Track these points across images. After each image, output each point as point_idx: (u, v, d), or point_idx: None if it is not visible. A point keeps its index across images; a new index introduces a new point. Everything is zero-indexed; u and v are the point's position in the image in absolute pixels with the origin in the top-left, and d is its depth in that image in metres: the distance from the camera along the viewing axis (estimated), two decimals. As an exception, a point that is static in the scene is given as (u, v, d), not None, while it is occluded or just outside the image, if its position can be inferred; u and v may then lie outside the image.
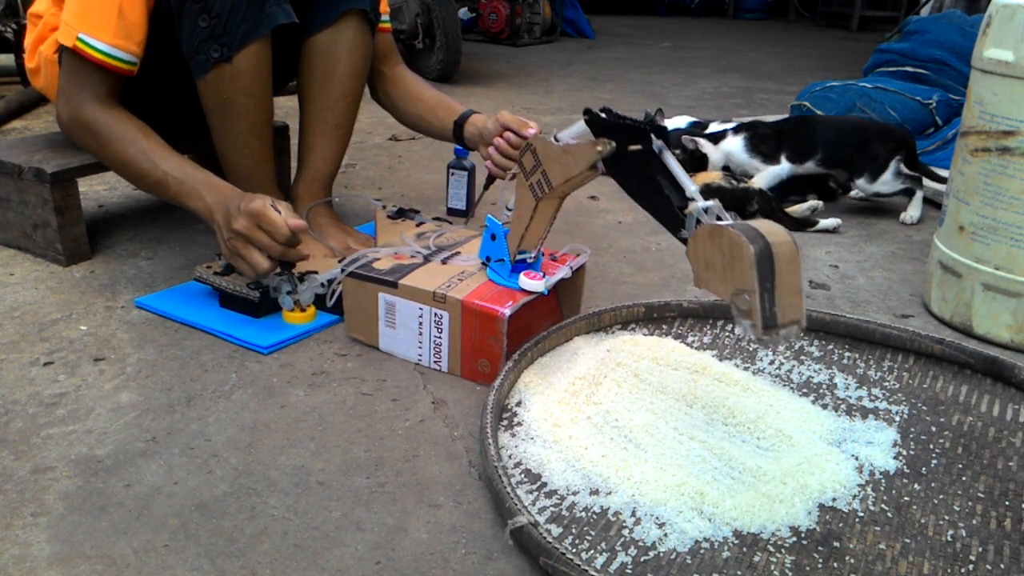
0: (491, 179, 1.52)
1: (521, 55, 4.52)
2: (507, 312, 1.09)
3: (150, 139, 1.26)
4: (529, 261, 1.17)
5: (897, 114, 2.35)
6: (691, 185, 0.95)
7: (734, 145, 1.99)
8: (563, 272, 1.21)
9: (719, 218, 0.92)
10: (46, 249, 1.47)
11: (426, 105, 1.60)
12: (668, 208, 0.96)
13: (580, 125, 1.06)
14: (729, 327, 1.32)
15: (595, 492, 0.92)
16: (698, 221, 0.92)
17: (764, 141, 1.97)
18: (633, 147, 0.97)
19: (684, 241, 0.94)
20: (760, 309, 0.81)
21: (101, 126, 1.25)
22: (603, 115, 1.03)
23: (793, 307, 0.83)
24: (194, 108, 1.35)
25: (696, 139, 2.02)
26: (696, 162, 2.00)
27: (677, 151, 2.02)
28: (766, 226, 0.85)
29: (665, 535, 0.85)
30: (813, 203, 1.91)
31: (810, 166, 1.94)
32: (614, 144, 1.00)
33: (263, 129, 1.37)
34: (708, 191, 1.83)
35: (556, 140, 1.08)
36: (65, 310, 1.31)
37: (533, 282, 1.14)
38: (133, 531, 0.85)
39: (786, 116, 2.13)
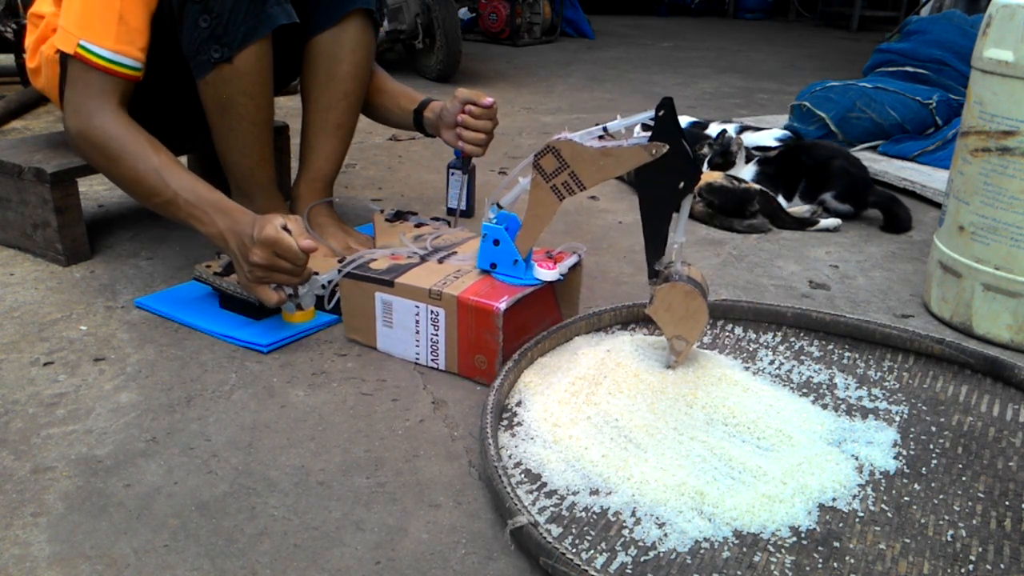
0: (467, 161, 1.49)
1: (521, 55, 4.52)
2: (502, 306, 1.09)
3: (161, 155, 1.21)
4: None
5: (897, 114, 2.35)
6: (683, 236, 1.11)
7: (747, 171, 2.00)
8: (573, 259, 1.23)
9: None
10: (46, 249, 1.47)
11: (389, 96, 1.61)
12: (663, 238, 1.10)
13: (641, 116, 1.08)
14: (729, 327, 1.32)
15: (595, 492, 0.92)
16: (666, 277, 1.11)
17: (770, 179, 1.97)
18: (682, 185, 1.06)
19: (654, 272, 1.12)
20: (687, 354, 1.14)
21: (110, 140, 1.21)
22: (669, 109, 1.04)
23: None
24: (195, 108, 1.35)
25: (742, 149, 2.01)
26: (723, 159, 2.00)
27: (715, 145, 2.03)
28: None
29: (665, 535, 0.85)
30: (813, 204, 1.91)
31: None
32: (667, 147, 1.03)
33: (263, 129, 1.37)
34: (711, 190, 1.84)
35: (605, 130, 1.09)
36: (65, 310, 1.31)
37: (549, 272, 1.16)
38: (133, 531, 0.85)
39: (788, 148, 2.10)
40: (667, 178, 1.05)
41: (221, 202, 1.19)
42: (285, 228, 1.11)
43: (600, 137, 1.09)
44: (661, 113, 1.03)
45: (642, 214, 1.10)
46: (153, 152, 1.21)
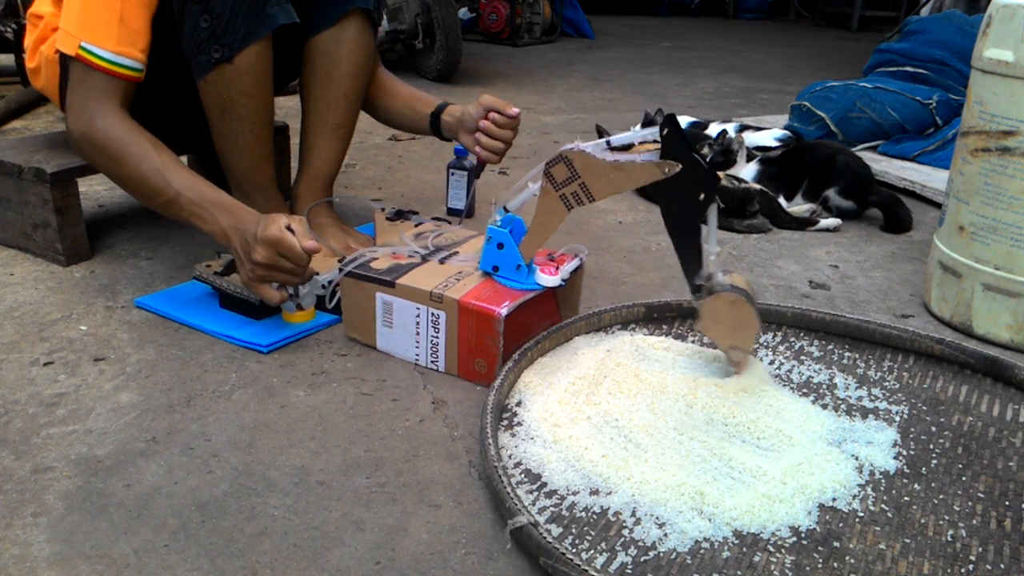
0: (481, 166, 1.49)
1: (521, 55, 4.52)
2: (504, 312, 1.09)
3: (163, 155, 1.22)
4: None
5: (897, 114, 2.35)
6: (716, 246, 1.09)
7: (748, 170, 2.00)
8: (575, 263, 1.23)
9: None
10: (46, 249, 1.47)
11: (403, 100, 1.60)
12: (696, 252, 1.09)
13: (646, 132, 1.07)
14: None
15: (595, 492, 0.92)
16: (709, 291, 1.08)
17: (771, 179, 1.97)
18: (702, 197, 1.04)
19: (696, 288, 1.09)
20: (746, 364, 1.12)
21: (112, 141, 1.21)
22: (672, 127, 1.03)
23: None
24: (195, 108, 1.35)
25: (743, 148, 2.01)
26: (723, 158, 2.01)
27: (716, 144, 2.03)
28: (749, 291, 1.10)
29: (665, 535, 0.85)
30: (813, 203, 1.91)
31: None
32: (680, 166, 1.02)
33: (263, 129, 1.37)
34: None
35: (608, 144, 1.08)
36: (65, 310, 1.31)
37: (550, 277, 1.16)
38: (133, 531, 0.85)
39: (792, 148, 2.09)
40: (686, 192, 1.04)
41: (223, 200, 1.20)
42: (289, 228, 1.12)
43: (611, 149, 1.08)
44: (666, 132, 1.02)
45: (668, 231, 1.09)
46: (155, 152, 1.21)
